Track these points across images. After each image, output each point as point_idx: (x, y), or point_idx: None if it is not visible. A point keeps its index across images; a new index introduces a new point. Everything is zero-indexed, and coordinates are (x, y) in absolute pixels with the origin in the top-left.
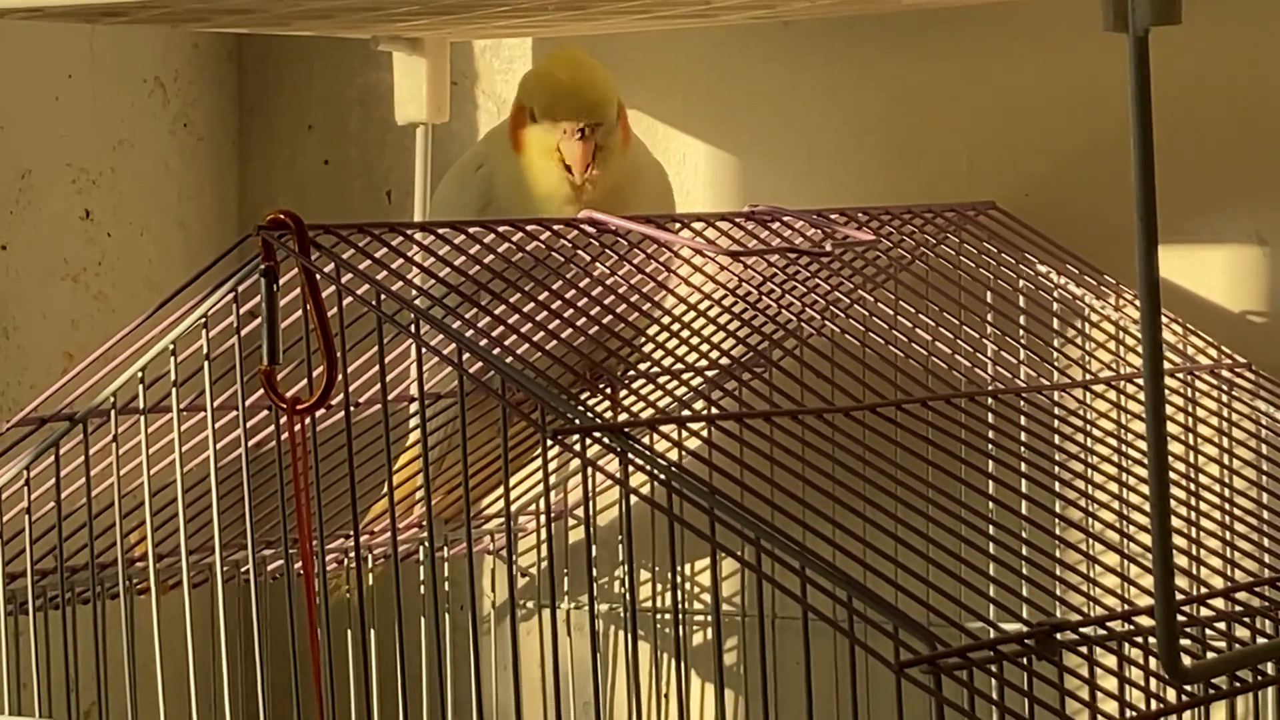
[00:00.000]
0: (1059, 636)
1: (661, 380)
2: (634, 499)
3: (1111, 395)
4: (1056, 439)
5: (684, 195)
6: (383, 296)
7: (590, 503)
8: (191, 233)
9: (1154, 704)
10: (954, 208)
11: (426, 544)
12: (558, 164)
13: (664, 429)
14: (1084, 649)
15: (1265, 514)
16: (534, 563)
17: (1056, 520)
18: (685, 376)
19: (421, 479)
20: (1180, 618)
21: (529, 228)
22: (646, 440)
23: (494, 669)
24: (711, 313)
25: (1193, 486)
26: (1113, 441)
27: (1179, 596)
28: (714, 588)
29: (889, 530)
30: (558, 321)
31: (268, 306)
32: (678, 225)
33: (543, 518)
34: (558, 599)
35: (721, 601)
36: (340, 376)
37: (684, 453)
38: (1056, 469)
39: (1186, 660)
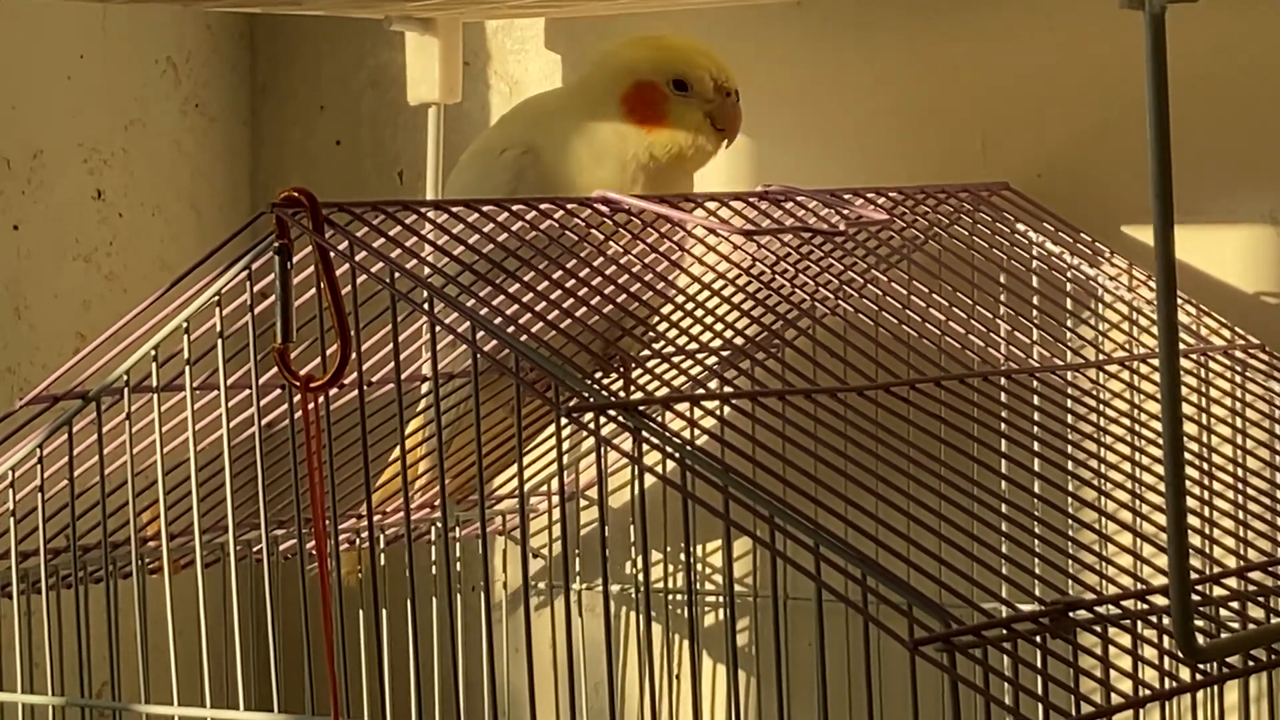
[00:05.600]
0: (1073, 615)
1: (675, 359)
2: (648, 478)
3: (1125, 375)
4: (1070, 419)
5: (697, 174)
6: (396, 275)
7: (603, 482)
8: (203, 213)
9: (1168, 682)
10: (967, 188)
11: (438, 525)
12: (708, 129)
13: (678, 407)
14: (1098, 628)
15: (1278, 494)
16: (545, 544)
17: (1070, 500)
18: (699, 355)
19: (423, 460)
20: (1194, 597)
21: (543, 206)
22: (660, 419)
23: (505, 650)
24: (725, 292)
25: (1206, 467)
26: (1126, 422)
27: (1193, 576)
28: (727, 566)
29: (902, 509)
30: (572, 300)
31: (281, 284)
32: (691, 205)
33: (555, 498)
34: (570, 580)
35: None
36: (354, 355)
37: (698, 431)
38: (1070, 449)
39: (1201, 639)
